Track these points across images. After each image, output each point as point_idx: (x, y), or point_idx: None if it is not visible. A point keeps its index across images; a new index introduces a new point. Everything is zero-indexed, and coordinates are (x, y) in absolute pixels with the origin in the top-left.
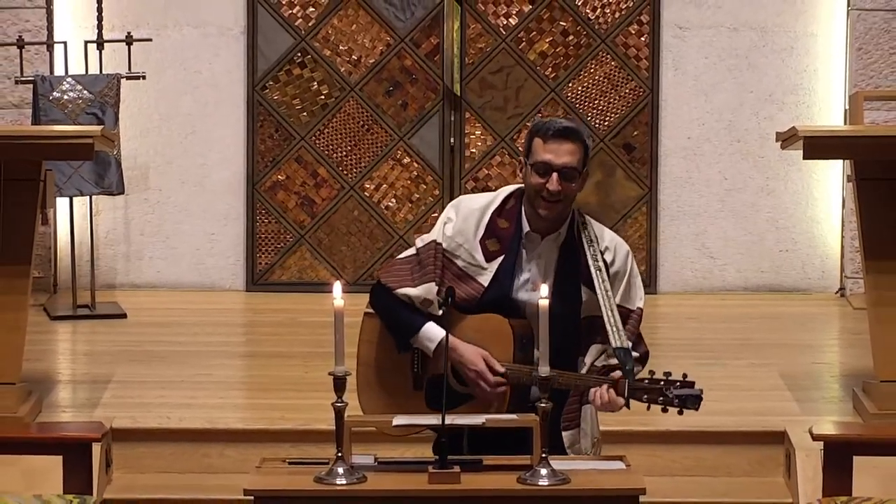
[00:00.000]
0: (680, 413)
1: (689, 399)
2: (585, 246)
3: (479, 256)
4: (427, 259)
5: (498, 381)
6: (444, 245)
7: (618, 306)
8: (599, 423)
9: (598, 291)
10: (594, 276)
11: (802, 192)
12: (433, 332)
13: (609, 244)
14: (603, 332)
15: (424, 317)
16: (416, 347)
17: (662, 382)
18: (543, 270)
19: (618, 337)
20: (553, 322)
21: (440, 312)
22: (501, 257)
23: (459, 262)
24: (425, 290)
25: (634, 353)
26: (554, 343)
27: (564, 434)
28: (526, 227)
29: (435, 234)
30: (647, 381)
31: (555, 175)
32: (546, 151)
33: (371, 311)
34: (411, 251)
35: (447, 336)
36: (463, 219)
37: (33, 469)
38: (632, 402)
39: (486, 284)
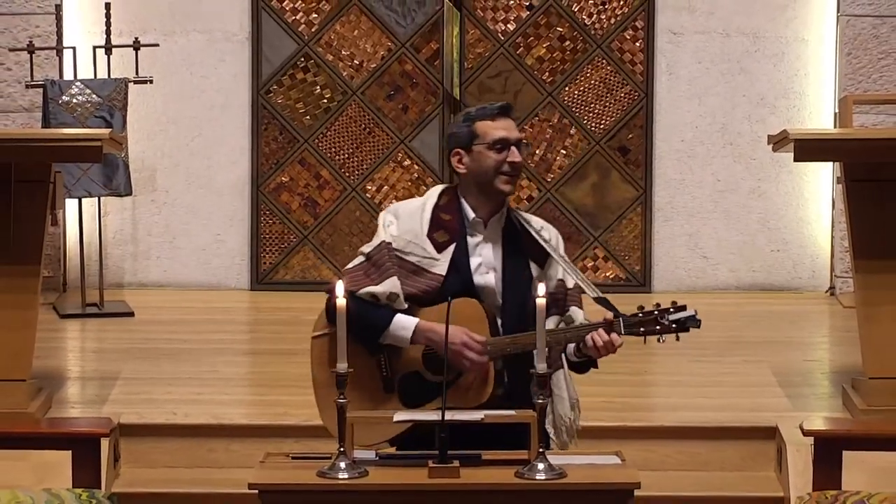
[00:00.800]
0: (677, 339)
1: (688, 320)
2: (525, 227)
3: (431, 249)
4: (381, 259)
5: (482, 348)
6: (395, 244)
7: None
8: (577, 390)
9: (553, 255)
10: (545, 246)
11: (793, 194)
12: (405, 321)
13: (543, 225)
14: (555, 307)
15: (392, 312)
16: (387, 346)
17: (656, 312)
18: (492, 252)
19: (591, 289)
20: (508, 298)
21: (406, 306)
22: (453, 245)
23: (413, 259)
24: (390, 285)
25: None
26: (511, 317)
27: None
28: (471, 215)
29: (381, 237)
30: (640, 314)
31: (513, 148)
32: (499, 129)
33: (318, 334)
34: (360, 259)
35: (415, 324)
36: (405, 219)
37: (43, 463)
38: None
39: (444, 273)
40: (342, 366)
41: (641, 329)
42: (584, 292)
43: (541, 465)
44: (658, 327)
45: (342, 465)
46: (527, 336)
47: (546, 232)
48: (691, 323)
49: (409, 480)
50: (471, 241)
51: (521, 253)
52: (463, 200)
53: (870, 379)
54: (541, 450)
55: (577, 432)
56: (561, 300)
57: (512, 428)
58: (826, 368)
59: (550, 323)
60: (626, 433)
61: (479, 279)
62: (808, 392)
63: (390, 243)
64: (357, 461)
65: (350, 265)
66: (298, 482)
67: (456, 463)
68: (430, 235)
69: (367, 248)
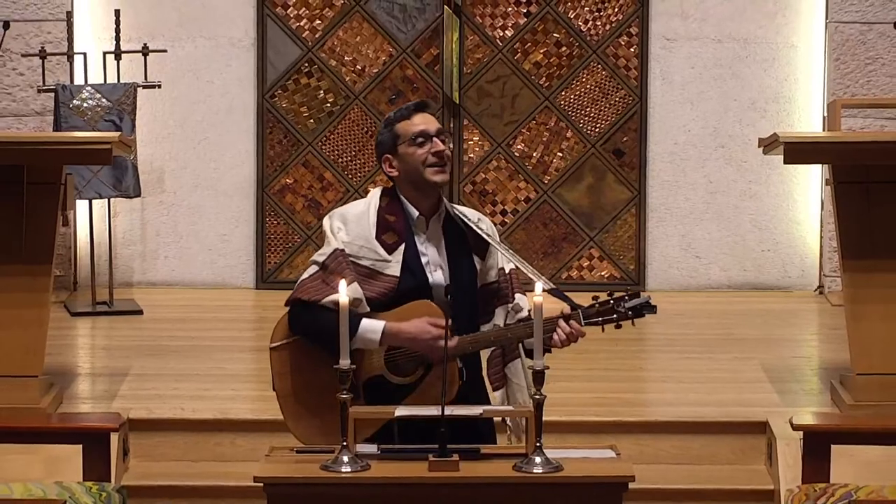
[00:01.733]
0: (633, 324)
1: (644, 306)
2: (463, 221)
3: (382, 251)
4: (337, 266)
5: (450, 339)
6: (347, 250)
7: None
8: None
9: (493, 244)
10: (487, 238)
11: (783, 195)
12: (372, 324)
13: (478, 217)
14: (500, 296)
15: (357, 317)
16: (355, 349)
17: (612, 302)
18: (436, 250)
19: (542, 280)
20: (458, 296)
21: (368, 310)
22: (402, 245)
23: (365, 262)
24: (353, 291)
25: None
26: (462, 313)
27: (496, 394)
28: (414, 213)
29: (333, 245)
30: (596, 304)
31: (435, 139)
32: (417, 124)
33: (275, 345)
34: (313, 268)
35: (447, 330)
36: (353, 224)
37: (55, 457)
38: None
39: (397, 274)
40: (345, 362)
41: (600, 319)
42: (529, 280)
43: (538, 459)
44: (615, 315)
45: (345, 458)
46: (485, 334)
47: (483, 223)
48: (647, 309)
49: (409, 474)
50: (417, 239)
51: (463, 247)
52: (404, 200)
53: (857, 375)
54: (538, 444)
55: None
56: (505, 289)
57: (472, 424)
58: (815, 365)
59: (499, 312)
60: (621, 428)
61: (430, 277)
62: (798, 388)
63: (343, 249)
64: (359, 455)
65: (305, 275)
66: (302, 475)
67: (455, 457)
68: (378, 238)
69: (319, 258)
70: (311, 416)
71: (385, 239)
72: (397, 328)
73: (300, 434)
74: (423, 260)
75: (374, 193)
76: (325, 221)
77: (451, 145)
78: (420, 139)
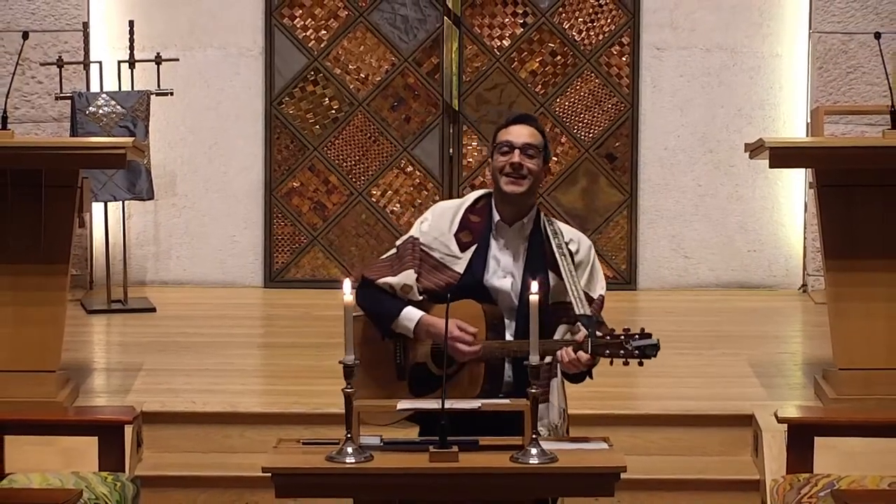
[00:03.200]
0: (640, 364)
1: (648, 348)
2: (550, 237)
3: (454, 247)
4: (405, 252)
5: (472, 339)
6: (421, 240)
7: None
8: (567, 398)
9: (562, 271)
10: (559, 261)
11: (768, 198)
12: (411, 313)
13: (573, 237)
14: (568, 316)
15: (404, 303)
16: (399, 333)
17: (622, 337)
18: (512, 258)
19: (581, 306)
20: (524, 303)
21: (420, 298)
22: (474, 247)
23: (436, 255)
24: (405, 277)
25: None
26: (525, 321)
27: (539, 407)
28: (496, 218)
29: (412, 232)
30: (607, 337)
31: (516, 150)
32: (508, 134)
33: (356, 314)
34: (392, 251)
35: (447, 324)
36: (438, 217)
37: (71, 449)
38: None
39: (461, 272)
40: (349, 357)
41: (607, 352)
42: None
43: (534, 451)
44: (622, 352)
45: (349, 450)
46: (515, 343)
47: (574, 244)
48: (650, 351)
49: (411, 465)
50: (493, 244)
51: (541, 260)
52: (492, 204)
53: (839, 370)
54: (533, 435)
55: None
56: (572, 311)
57: (514, 417)
58: (799, 360)
59: (560, 329)
60: (614, 420)
61: (493, 281)
62: (782, 382)
63: (418, 238)
64: (363, 446)
65: (383, 255)
66: (308, 466)
67: (455, 448)
68: (456, 235)
69: (399, 242)
70: (363, 388)
71: (461, 237)
72: (430, 322)
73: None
74: (493, 264)
75: (474, 193)
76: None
77: (539, 163)
78: (504, 148)
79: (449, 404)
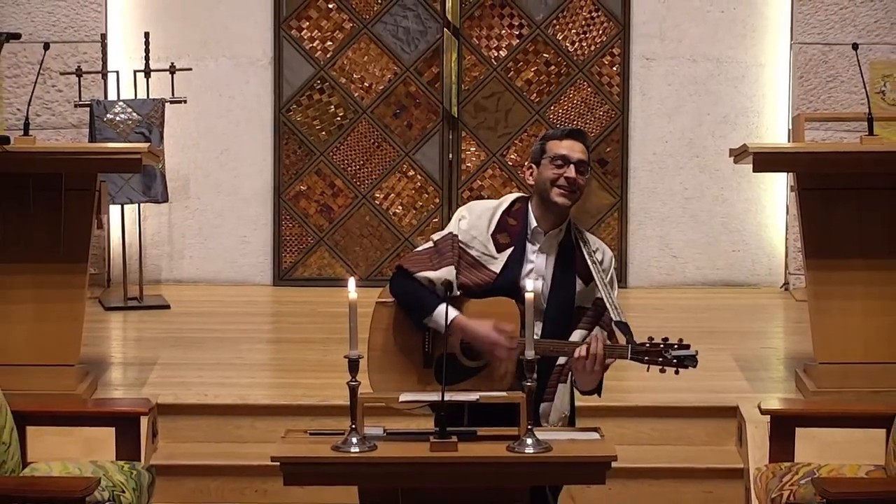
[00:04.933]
0: (676, 372)
1: (687, 359)
2: (581, 245)
3: (492, 247)
4: (445, 248)
5: (508, 339)
6: (461, 237)
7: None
8: (575, 400)
9: (596, 278)
10: (591, 267)
11: (752, 201)
12: (447, 311)
13: (599, 247)
14: (589, 320)
15: (439, 298)
16: (430, 327)
17: (661, 346)
18: (545, 262)
19: (617, 313)
20: (552, 305)
21: (458, 293)
22: (511, 248)
23: (473, 253)
24: (446, 272)
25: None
26: (551, 323)
27: (543, 405)
28: (533, 224)
29: (451, 228)
30: (647, 344)
31: (572, 165)
32: (562, 147)
33: (383, 300)
34: (428, 244)
35: (454, 317)
36: (476, 216)
37: (90, 439)
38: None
39: (497, 272)
40: (354, 352)
41: (646, 358)
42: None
43: (529, 441)
44: (661, 359)
45: (354, 440)
46: (544, 342)
47: (600, 254)
48: (689, 362)
49: (412, 454)
50: (529, 247)
51: (571, 267)
52: (530, 210)
53: (819, 364)
54: (529, 426)
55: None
56: (591, 317)
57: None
58: (781, 355)
59: (576, 335)
60: (605, 412)
61: (528, 283)
62: (765, 376)
63: (457, 235)
64: (367, 437)
65: (419, 248)
66: (315, 455)
67: (454, 438)
68: (493, 235)
69: (436, 236)
70: (391, 371)
71: (499, 238)
72: (465, 324)
73: (375, 385)
74: (528, 267)
75: (511, 196)
76: (459, 209)
77: (585, 179)
78: (559, 161)
79: (448, 396)
